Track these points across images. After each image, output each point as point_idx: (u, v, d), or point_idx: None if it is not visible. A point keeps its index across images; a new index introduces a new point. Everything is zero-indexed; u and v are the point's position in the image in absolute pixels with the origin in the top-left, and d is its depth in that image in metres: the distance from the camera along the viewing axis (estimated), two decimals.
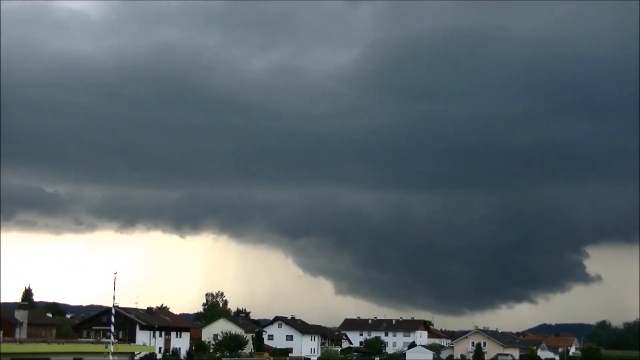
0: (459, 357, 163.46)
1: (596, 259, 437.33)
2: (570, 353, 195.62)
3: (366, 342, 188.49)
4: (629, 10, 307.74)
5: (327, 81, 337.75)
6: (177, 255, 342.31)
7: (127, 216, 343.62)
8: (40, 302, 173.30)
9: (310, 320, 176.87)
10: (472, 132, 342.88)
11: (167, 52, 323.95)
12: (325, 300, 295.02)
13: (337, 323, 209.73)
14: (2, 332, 66.19)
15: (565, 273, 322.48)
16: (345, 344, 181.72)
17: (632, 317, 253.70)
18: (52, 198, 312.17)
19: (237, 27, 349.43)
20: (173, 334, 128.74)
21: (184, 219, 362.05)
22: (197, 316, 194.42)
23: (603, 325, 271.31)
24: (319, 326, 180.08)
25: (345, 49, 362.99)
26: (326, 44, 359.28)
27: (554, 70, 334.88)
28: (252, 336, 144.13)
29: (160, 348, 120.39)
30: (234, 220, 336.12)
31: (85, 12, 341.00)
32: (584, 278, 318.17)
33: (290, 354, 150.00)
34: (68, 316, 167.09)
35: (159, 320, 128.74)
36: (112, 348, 59.93)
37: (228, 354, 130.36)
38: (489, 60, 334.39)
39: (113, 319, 64.32)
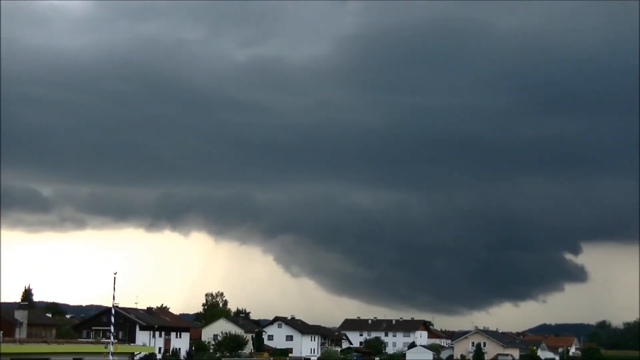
0: (459, 357, 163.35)
1: (596, 258, 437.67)
2: (570, 353, 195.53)
3: (366, 342, 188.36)
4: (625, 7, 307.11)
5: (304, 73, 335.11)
6: (177, 254, 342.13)
7: (121, 214, 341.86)
8: (40, 302, 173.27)
9: (310, 320, 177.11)
10: (471, 128, 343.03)
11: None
12: (324, 300, 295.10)
13: (337, 323, 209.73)
14: (2, 332, 66.16)
15: (564, 272, 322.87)
16: (345, 344, 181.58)
17: (631, 317, 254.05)
18: (45, 197, 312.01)
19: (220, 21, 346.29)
20: (173, 334, 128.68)
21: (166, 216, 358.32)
22: (197, 316, 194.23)
23: (603, 325, 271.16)
24: (319, 326, 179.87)
25: (330, 42, 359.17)
26: (311, 38, 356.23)
27: (549, 67, 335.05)
28: (252, 336, 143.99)
29: (160, 348, 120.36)
30: (229, 220, 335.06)
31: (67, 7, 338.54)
32: (583, 277, 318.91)
33: (290, 354, 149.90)
34: (68, 316, 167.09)
35: (159, 320, 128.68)
36: (112, 348, 59.83)
37: (228, 354, 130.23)
38: (488, 56, 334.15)
39: (113, 319, 64.46)
